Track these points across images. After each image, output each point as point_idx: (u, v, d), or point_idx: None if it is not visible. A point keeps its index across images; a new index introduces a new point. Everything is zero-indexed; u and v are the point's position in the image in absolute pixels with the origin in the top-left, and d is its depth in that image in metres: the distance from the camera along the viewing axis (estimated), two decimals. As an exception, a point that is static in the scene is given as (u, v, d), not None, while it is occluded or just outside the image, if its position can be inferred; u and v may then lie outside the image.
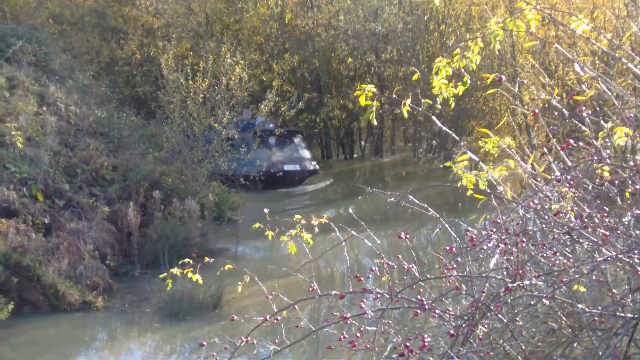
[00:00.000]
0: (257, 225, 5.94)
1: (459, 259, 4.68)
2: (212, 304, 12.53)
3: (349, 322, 4.49)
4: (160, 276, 5.71)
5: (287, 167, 24.54)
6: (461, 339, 4.26)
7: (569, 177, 4.94)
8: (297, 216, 5.70)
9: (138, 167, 17.76)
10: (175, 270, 5.67)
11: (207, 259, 5.74)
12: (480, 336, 4.32)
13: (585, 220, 4.34)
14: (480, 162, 5.33)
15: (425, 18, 26.65)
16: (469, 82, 5.06)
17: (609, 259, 4.12)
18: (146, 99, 24.64)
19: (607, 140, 4.99)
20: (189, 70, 19.42)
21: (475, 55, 5.20)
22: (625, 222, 5.17)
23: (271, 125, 24.81)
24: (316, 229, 5.66)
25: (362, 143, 32.98)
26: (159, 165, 18.78)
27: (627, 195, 5.01)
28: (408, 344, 4.29)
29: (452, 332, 4.28)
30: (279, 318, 4.94)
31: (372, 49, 27.47)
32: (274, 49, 28.81)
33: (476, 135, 27.87)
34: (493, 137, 5.97)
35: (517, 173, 5.95)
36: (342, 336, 4.93)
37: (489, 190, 5.38)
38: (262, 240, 16.28)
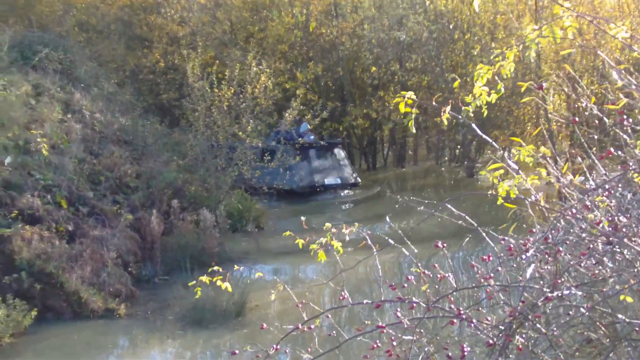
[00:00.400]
0: (288, 233, 5.86)
1: (499, 269, 4.57)
2: (235, 311, 12.49)
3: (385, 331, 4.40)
4: (190, 284, 5.64)
5: (327, 181, 24.16)
6: (498, 349, 4.16)
7: (606, 187, 4.84)
8: (328, 224, 5.63)
9: (161, 174, 17.80)
10: (204, 278, 5.60)
11: (236, 267, 5.66)
12: (520, 346, 4.21)
13: (623, 230, 4.23)
14: (519, 171, 5.20)
15: (451, 27, 26.52)
16: (502, 90, 4.94)
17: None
18: (170, 107, 24.67)
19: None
20: (214, 79, 19.39)
21: (509, 63, 5.08)
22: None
23: (312, 137, 24.64)
24: (347, 237, 5.59)
25: (385, 152, 32.90)
26: (182, 173, 18.82)
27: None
28: (449, 354, 4.20)
29: (490, 341, 4.17)
30: (311, 327, 4.86)
31: (396, 57, 27.38)
32: (298, 57, 28.78)
33: (501, 145, 27.79)
34: (526, 145, 5.84)
35: (550, 182, 5.83)
36: (375, 344, 4.84)
37: (530, 199, 5.27)
38: (287, 251, 16.50)
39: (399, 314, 4.48)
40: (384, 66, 27.69)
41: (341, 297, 5.15)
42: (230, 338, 11.67)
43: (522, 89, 5.46)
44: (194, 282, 5.70)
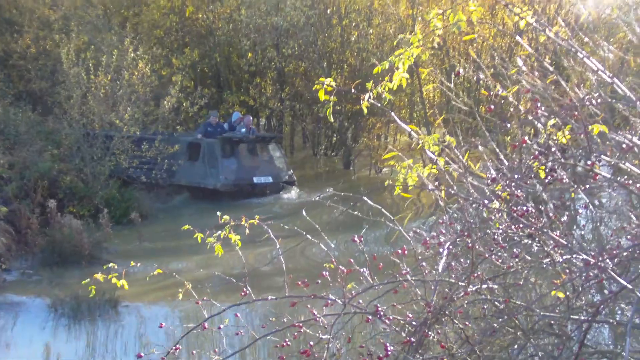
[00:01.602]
0: (187, 227, 5.67)
1: (423, 265, 4.50)
2: (110, 305, 12.29)
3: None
4: (83, 282, 5.39)
5: (257, 179, 21.66)
6: (415, 346, 4.09)
7: (507, 176, 4.84)
8: (226, 217, 5.48)
9: (35, 165, 17.26)
10: (98, 276, 5.36)
11: (132, 263, 5.43)
12: (443, 343, 4.16)
13: (541, 222, 4.22)
14: (437, 160, 5.13)
15: (329, 12, 26.50)
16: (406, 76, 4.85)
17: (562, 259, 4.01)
18: (42, 95, 23.86)
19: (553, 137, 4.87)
20: (90, 65, 18.86)
21: (414, 49, 5.00)
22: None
23: (242, 130, 22.77)
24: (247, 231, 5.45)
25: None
26: (57, 163, 18.25)
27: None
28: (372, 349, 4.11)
29: (409, 338, 4.10)
30: (221, 327, 4.70)
31: (273, 43, 27.18)
32: (174, 43, 28.25)
33: (377, 132, 28.02)
34: (421, 133, 5.76)
35: (448, 172, 5.80)
36: (284, 343, 4.71)
37: (430, 188, 5.22)
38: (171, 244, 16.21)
39: (314, 311, 4.37)
40: (260, 52, 27.44)
41: (242, 294, 5.01)
42: (109, 330, 11.55)
43: (423, 75, 5.39)
44: (88, 280, 5.45)
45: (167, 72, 25.60)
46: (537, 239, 4.21)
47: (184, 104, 22.67)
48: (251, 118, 24.65)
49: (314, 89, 4.80)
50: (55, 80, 21.39)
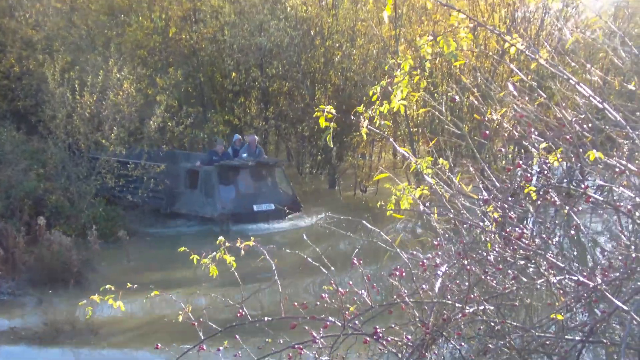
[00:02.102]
0: (183, 248, 5.72)
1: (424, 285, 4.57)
2: (91, 328, 12.33)
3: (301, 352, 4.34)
4: (80, 304, 5.42)
5: (257, 207, 20.43)
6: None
7: (498, 198, 4.93)
8: (221, 238, 5.54)
9: (21, 184, 17.25)
10: (95, 297, 5.40)
11: (129, 284, 5.47)
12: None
13: (536, 243, 4.31)
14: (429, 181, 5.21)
15: (312, 33, 26.65)
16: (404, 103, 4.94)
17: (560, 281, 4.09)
18: (26, 114, 23.85)
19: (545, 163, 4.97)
20: (75, 85, 18.89)
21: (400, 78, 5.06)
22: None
23: (244, 155, 21.90)
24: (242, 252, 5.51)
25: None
26: (43, 182, 18.25)
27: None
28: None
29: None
30: (220, 348, 4.75)
31: (257, 63, 27.28)
32: (158, 63, 28.27)
33: (361, 151, 28.12)
34: (412, 156, 5.84)
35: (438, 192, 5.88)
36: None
37: (420, 210, 5.31)
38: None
39: (313, 332, 4.43)
40: (244, 72, 27.52)
41: (238, 314, 5.06)
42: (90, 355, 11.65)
43: (415, 98, 5.47)
44: (84, 301, 5.48)
45: (152, 92, 25.63)
46: (532, 261, 4.29)
47: (169, 124, 22.68)
48: (255, 137, 23.56)
49: (314, 115, 4.89)
50: (40, 99, 21.39)
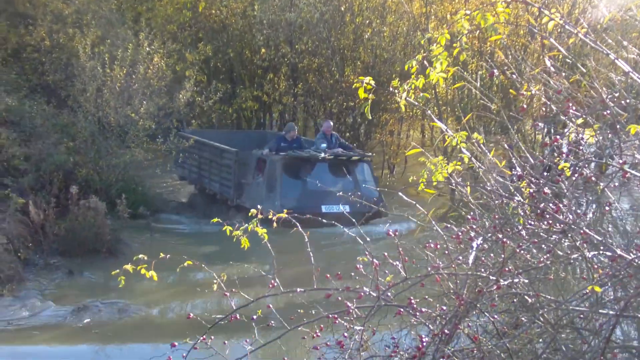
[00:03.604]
0: (216, 220, 5.75)
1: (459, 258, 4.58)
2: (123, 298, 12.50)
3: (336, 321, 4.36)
4: (113, 272, 5.45)
5: (327, 208, 16.70)
6: (445, 338, 4.17)
7: (532, 174, 4.91)
8: (253, 210, 5.55)
9: (51, 157, 17.36)
10: (128, 267, 5.43)
11: (162, 254, 5.49)
12: (476, 335, 4.24)
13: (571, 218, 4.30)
14: (472, 158, 5.20)
15: (342, 9, 26.54)
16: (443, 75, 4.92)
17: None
18: (56, 88, 23.95)
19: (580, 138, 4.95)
20: (106, 58, 18.98)
21: (440, 51, 5.04)
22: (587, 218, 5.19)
23: (323, 146, 19.00)
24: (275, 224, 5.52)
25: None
26: (73, 155, 18.37)
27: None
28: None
29: (441, 330, 4.18)
30: (254, 317, 4.79)
31: (286, 39, 27.26)
32: (188, 38, 28.32)
33: (390, 128, 28.06)
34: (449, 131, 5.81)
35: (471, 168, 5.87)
36: (315, 334, 4.80)
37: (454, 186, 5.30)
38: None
39: (348, 303, 4.45)
40: (274, 48, 27.52)
41: (270, 285, 5.09)
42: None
43: (450, 73, 5.43)
44: (117, 270, 5.51)
45: (181, 67, 25.67)
46: (568, 235, 4.28)
47: (198, 99, 22.73)
48: (331, 124, 20.35)
49: (353, 87, 4.88)
50: (69, 73, 21.44)
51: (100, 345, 10.79)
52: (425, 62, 4.96)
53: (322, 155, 18.26)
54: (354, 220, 5.84)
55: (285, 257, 6.00)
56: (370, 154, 20.78)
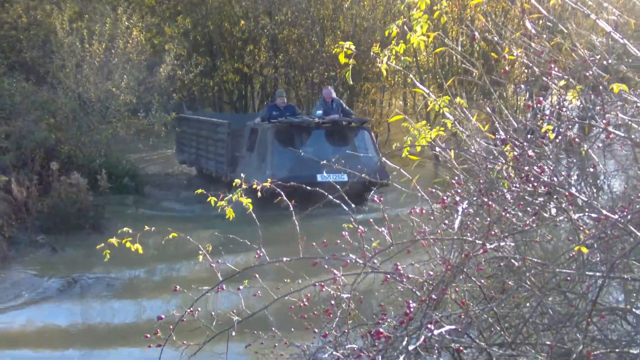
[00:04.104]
0: (200, 190, 5.71)
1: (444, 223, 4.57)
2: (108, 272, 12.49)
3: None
4: (97, 247, 5.39)
5: (322, 177, 14.62)
6: (433, 303, 4.16)
7: (515, 137, 4.89)
8: (237, 180, 5.51)
9: (32, 134, 17.28)
10: (113, 240, 5.38)
11: (146, 227, 5.44)
12: (464, 300, 4.24)
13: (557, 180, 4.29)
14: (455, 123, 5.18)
15: (321, -22, 26.41)
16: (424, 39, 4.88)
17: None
18: (34, 65, 23.75)
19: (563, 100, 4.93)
20: (84, 34, 18.82)
21: (420, 14, 5.00)
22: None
23: (319, 113, 17.89)
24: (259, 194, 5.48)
25: (256, 107, 32.67)
26: (54, 132, 18.28)
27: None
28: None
29: (428, 296, 4.17)
30: (239, 288, 4.76)
31: (266, 10, 27.11)
32: (166, 11, 28.15)
33: (372, 97, 28.01)
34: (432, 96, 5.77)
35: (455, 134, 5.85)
36: (303, 303, 4.79)
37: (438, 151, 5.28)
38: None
39: (334, 271, 4.43)
40: (253, 19, 27.35)
41: (256, 256, 5.05)
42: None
43: (431, 38, 5.38)
44: (102, 244, 5.45)
45: (160, 41, 25.51)
46: (554, 196, 4.27)
47: (179, 72, 22.60)
48: (331, 90, 19.02)
49: (334, 52, 4.84)
50: (48, 50, 21.27)
51: (87, 325, 10.76)
52: (405, 27, 4.92)
53: (315, 120, 17.50)
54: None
55: (273, 229, 5.95)
56: (368, 119, 20.65)
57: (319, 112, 17.81)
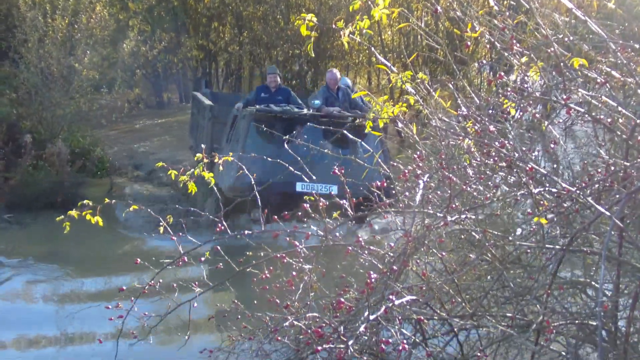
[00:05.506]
0: (161, 164, 5.69)
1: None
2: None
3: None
4: (57, 219, 5.37)
5: (303, 187, 11.63)
6: (395, 275, 4.20)
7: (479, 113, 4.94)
8: (199, 155, 5.52)
9: (-7, 109, 17.13)
10: (73, 213, 5.36)
11: (106, 200, 5.44)
12: (425, 272, 4.28)
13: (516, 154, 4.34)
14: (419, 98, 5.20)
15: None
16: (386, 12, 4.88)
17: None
18: (-5, 39, 23.48)
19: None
20: (47, 8, 18.62)
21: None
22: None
23: (316, 102, 14.02)
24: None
25: (221, 84, 32.49)
26: (16, 107, 18.10)
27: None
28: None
29: (389, 267, 4.21)
30: (201, 259, 4.78)
31: (231, -14, 26.97)
32: (131, -14, 27.90)
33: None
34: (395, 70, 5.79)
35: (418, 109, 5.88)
36: (265, 275, 4.81)
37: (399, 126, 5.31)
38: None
39: (296, 242, 4.46)
40: (218, -5, 27.22)
41: (217, 229, 5.05)
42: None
43: (394, 15, 5.40)
44: (62, 217, 5.42)
45: (124, 17, 25.29)
46: (514, 170, 4.32)
47: (142, 48, 22.42)
48: (336, 74, 14.84)
49: (295, 25, 4.84)
50: (9, 24, 21.02)
51: (53, 305, 10.73)
52: (370, 2, 4.92)
53: (304, 112, 13.77)
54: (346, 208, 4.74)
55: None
56: (360, 113, 15.46)
57: (317, 102, 13.93)
